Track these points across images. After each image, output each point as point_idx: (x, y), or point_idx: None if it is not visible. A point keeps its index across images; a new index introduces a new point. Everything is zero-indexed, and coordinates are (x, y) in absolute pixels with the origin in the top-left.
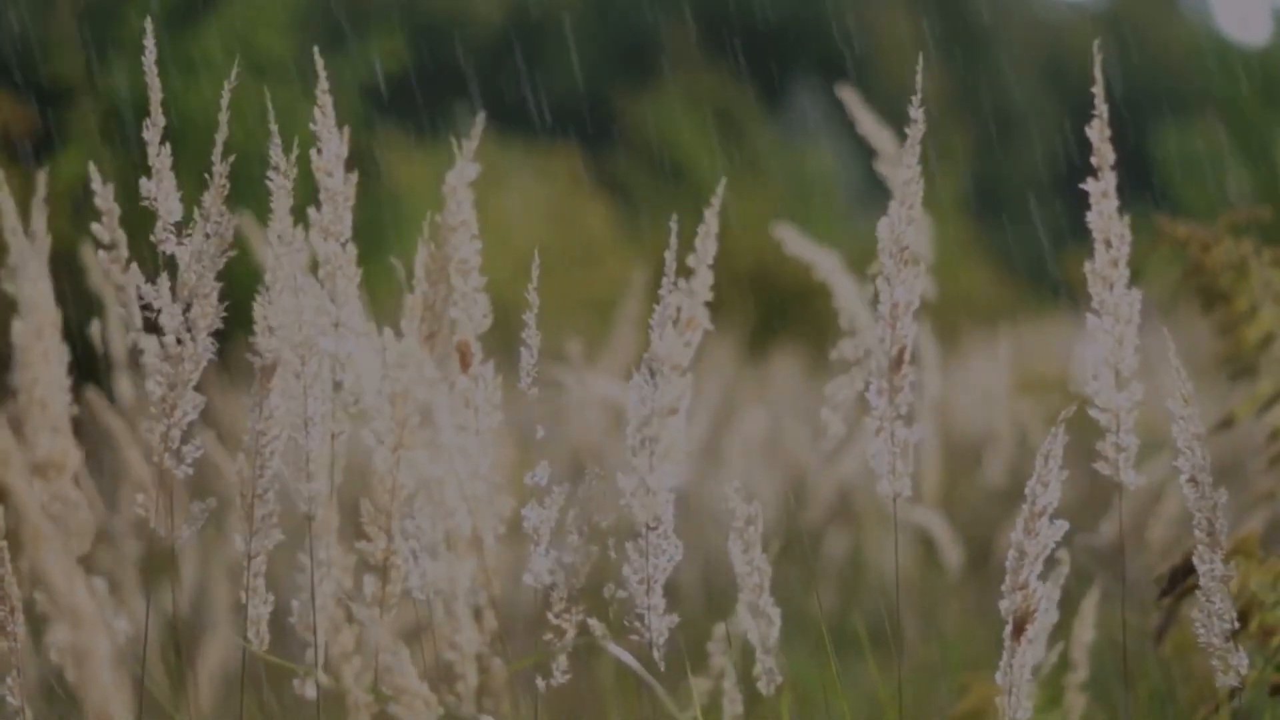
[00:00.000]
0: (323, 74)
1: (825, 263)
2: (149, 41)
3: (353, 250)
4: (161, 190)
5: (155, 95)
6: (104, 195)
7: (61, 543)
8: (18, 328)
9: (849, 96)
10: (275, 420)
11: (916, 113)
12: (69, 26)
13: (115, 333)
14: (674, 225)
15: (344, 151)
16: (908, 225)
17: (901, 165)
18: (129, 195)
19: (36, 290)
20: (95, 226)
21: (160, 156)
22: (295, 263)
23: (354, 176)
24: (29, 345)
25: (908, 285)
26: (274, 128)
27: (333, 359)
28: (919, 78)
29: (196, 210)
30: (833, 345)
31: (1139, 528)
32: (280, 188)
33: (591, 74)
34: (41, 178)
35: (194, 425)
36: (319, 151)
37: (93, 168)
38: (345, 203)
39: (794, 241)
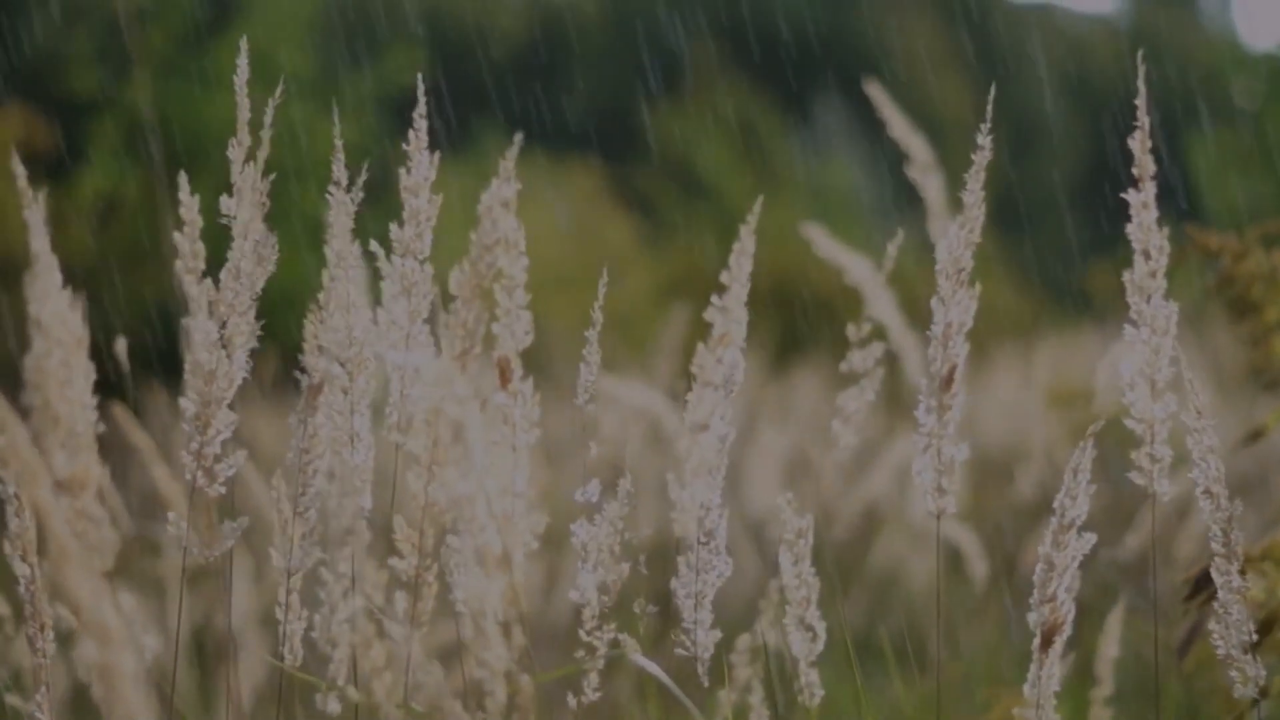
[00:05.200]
0: (422, 98)
1: (856, 267)
2: (242, 61)
3: (430, 269)
4: (243, 209)
5: (243, 115)
6: (189, 205)
7: (86, 559)
8: (34, 345)
9: (879, 97)
10: (320, 438)
11: (985, 139)
12: (91, 42)
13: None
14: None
15: (433, 174)
16: (967, 248)
17: (965, 190)
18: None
19: (47, 306)
20: (176, 236)
21: (244, 175)
22: (350, 280)
23: (439, 198)
24: (43, 362)
25: (962, 306)
26: (339, 142)
27: (399, 373)
28: (989, 107)
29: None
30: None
31: (1165, 542)
32: (340, 204)
33: (614, 88)
34: (43, 196)
35: (227, 442)
36: (408, 171)
37: (183, 178)
38: (428, 222)
39: (825, 244)
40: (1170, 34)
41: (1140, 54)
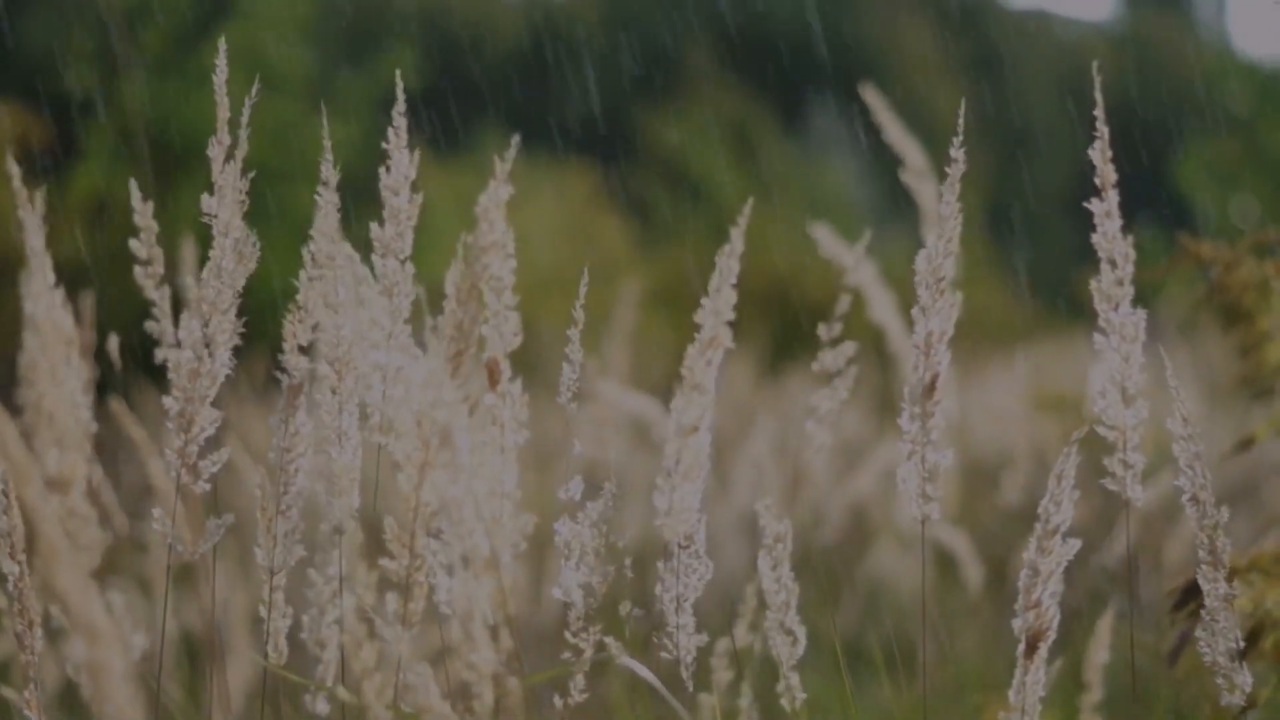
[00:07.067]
0: (401, 96)
1: (861, 268)
2: (221, 61)
3: (411, 269)
4: (223, 208)
5: (223, 113)
6: (142, 211)
7: (75, 557)
8: (26, 343)
9: (875, 101)
10: (301, 437)
11: (958, 152)
12: (86, 41)
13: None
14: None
15: (412, 172)
16: (945, 257)
17: (942, 201)
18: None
19: (41, 305)
20: (133, 242)
21: (225, 174)
22: (339, 280)
23: (419, 197)
24: (36, 360)
25: (942, 315)
26: (327, 142)
27: (381, 374)
28: (961, 120)
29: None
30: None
31: (1154, 547)
32: (327, 203)
33: (609, 91)
34: (40, 195)
35: (211, 440)
36: (387, 170)
37: (133, 184)
38: (408, 221)
39: (829, 243)
40: (1165, 41)
41: (1095, 65)
